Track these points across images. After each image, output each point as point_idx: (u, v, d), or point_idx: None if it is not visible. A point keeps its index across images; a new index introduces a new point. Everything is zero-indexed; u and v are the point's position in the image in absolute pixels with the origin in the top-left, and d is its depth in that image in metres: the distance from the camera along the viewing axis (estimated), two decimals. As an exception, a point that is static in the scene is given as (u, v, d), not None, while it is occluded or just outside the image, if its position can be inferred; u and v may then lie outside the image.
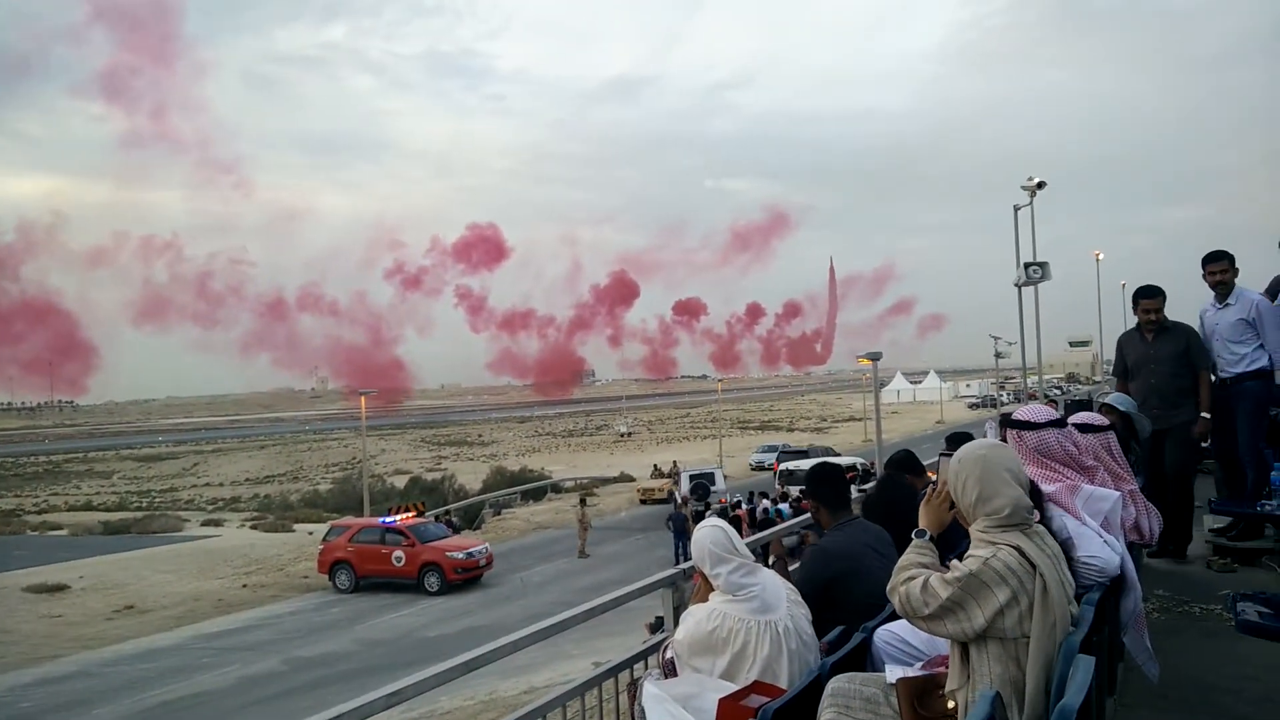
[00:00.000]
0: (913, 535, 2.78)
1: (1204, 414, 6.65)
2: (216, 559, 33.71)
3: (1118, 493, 3.71)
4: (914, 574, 2.59)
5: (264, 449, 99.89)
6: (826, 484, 4.36)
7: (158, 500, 62.09)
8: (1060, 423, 3.79)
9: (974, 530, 2.59)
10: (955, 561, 2.54)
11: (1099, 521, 3.36)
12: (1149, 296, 6.88)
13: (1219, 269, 6.78)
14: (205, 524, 45.64)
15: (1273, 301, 6.91)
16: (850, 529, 4.21)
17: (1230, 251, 6.82)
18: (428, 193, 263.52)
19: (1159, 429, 6.65)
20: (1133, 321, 7.22)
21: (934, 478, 3.42)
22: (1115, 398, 6.61)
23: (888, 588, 2.68)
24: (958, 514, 2.69)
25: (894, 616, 3.60)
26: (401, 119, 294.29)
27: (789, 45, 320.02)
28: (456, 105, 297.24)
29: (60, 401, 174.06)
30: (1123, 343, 7.25)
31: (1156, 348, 6.86)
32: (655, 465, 53.38)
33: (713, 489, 39.11)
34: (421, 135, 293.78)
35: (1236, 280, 6.80)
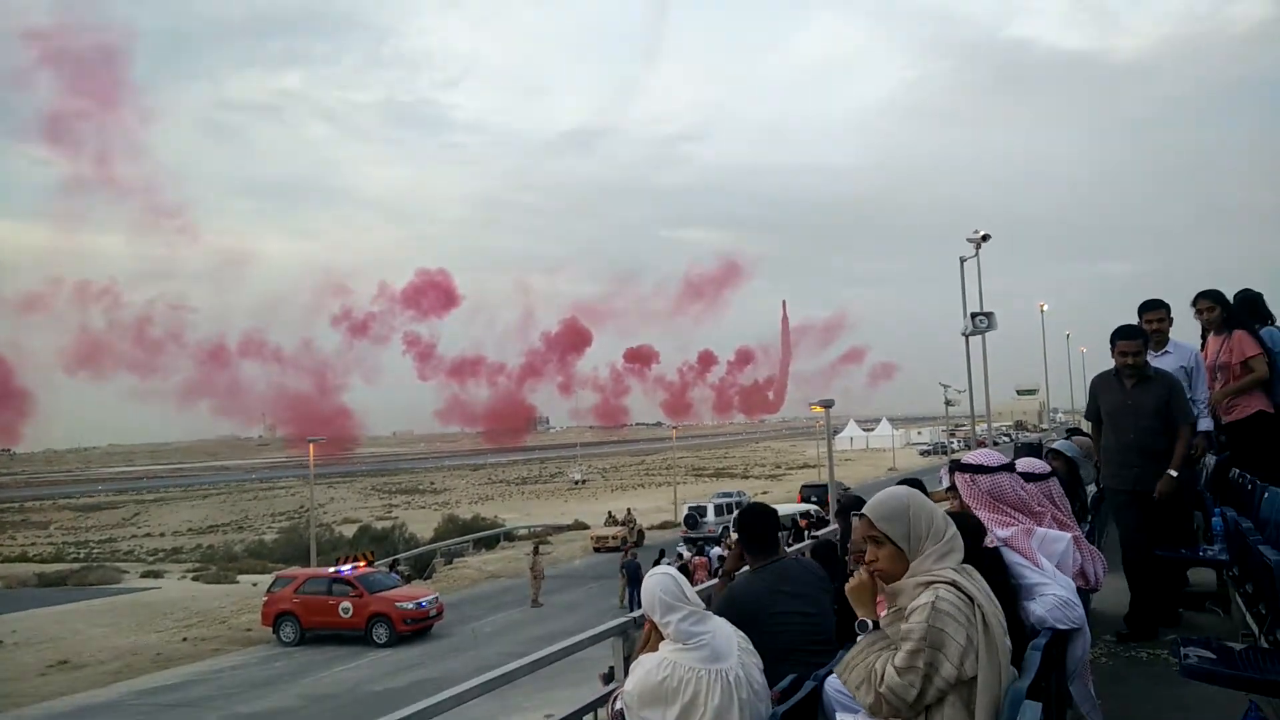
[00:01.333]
0: (857, 628, 2.71)
1: (1171, 471, 5.86)
2: (156, 612, 32.69)
3: (1069, 534, 3.75)
4: (863, 670, 2.53)
5: (208, 498, 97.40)
6: (747, 527, 4.35)
7: (96, 551, 60.27)
8: (1010, 467, 3.84)
9: (912, 570, 2.58)
10: (891, 626, 2.52)
11: (1054, 563, 3.39)
12: (1127, 338, 6.02)
13: (1155, 318, 6.76)
14: (145, 575, 44.44)
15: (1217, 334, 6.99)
16: (766, 573, 4.14)
17: (1166, 301, 6.97)
18: (381, 241, 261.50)
19: (1138, 490, 5.99)
20: (1087, 367, 6.88)
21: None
22: (1063, 444, 6.71)
23: (849, 687, 2.59)
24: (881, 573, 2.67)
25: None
26: (356, 166, 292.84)
27: (742, 99, 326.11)
28: (413, 154, 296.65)
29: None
30: (1097, 386, 6.35)
31: (1136, 397, 6.01)
32: (610, 513, 53.05)
33: (701, 520, 43.52)
34: (376, 183, 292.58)
35: (1171, 331, 6.87)
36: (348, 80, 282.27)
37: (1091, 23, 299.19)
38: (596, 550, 44.72)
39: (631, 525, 46.58)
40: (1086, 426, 7.38)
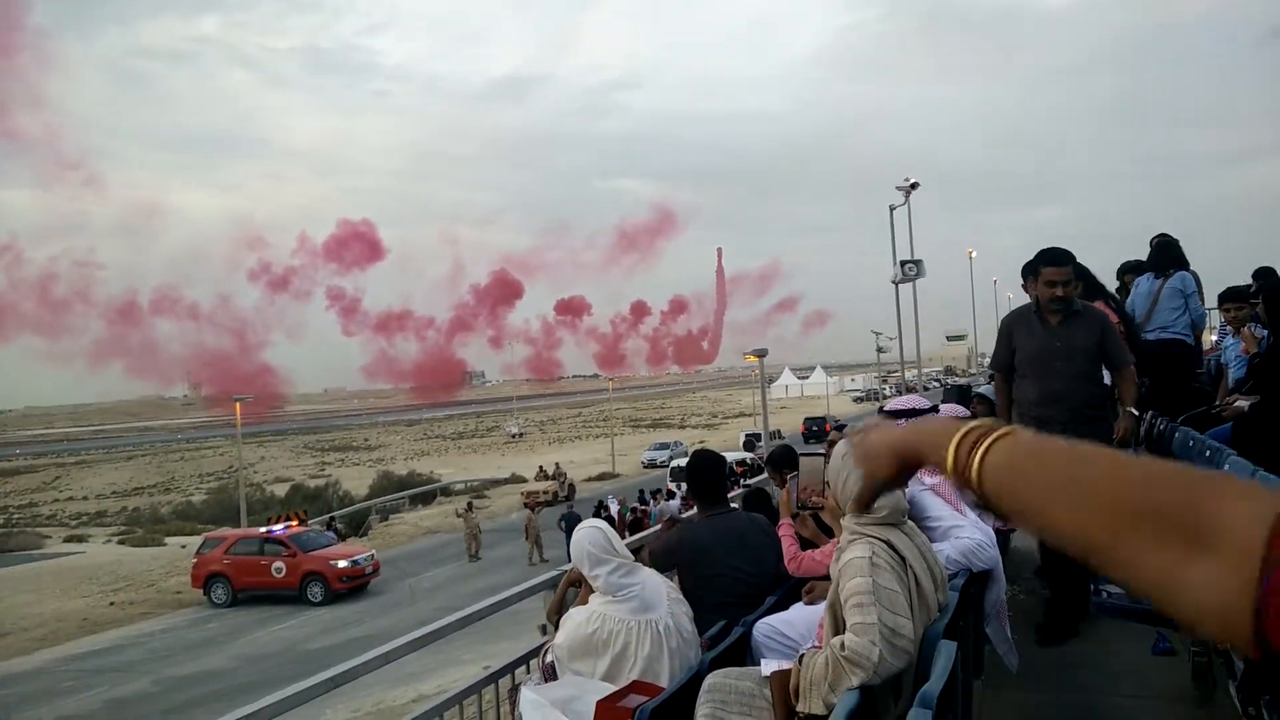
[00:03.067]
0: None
1: (1129, 409, 4.98)
2: (81, 576, 31.86)
3: None
4: (821, 660, 2.46)
5: (132, 460, 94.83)
6: (697, 474, 4.37)
7: (16, 516, 58.37)
8: (934, 409, 3.89)
9: (845, 522, 2.61)
10: (831, 581, 2.51)
11: (978, 514, 3.44)
12: (1055, 263, 4.96)
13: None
14: (68, 540, 43.20)
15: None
16: (714, 521, 4.20)
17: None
18: (306, 194, 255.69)
19: None
20: (997, 319, 5.75)
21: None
22: (987, 389, 6.85)
23: (807, 684, 2.50)
24: (825, 506, 2.71)
25: (773, 610, 3.65)
26: (278, 116, 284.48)
27: (678, 47, 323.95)
28: (337, 102, 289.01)
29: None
30: (1010, 326, 5.15)
31: (1063, 337, 4.95)
32: (540, 467, 52.92)
33: (758, 444, 45.49)
34: (299, 133, 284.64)
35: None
36: (266, 26, 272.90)
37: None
38: (526, 506, 44.40)
39: (562, 479, 46.57)
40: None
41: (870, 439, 1.04)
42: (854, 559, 2.44)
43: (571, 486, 46.18)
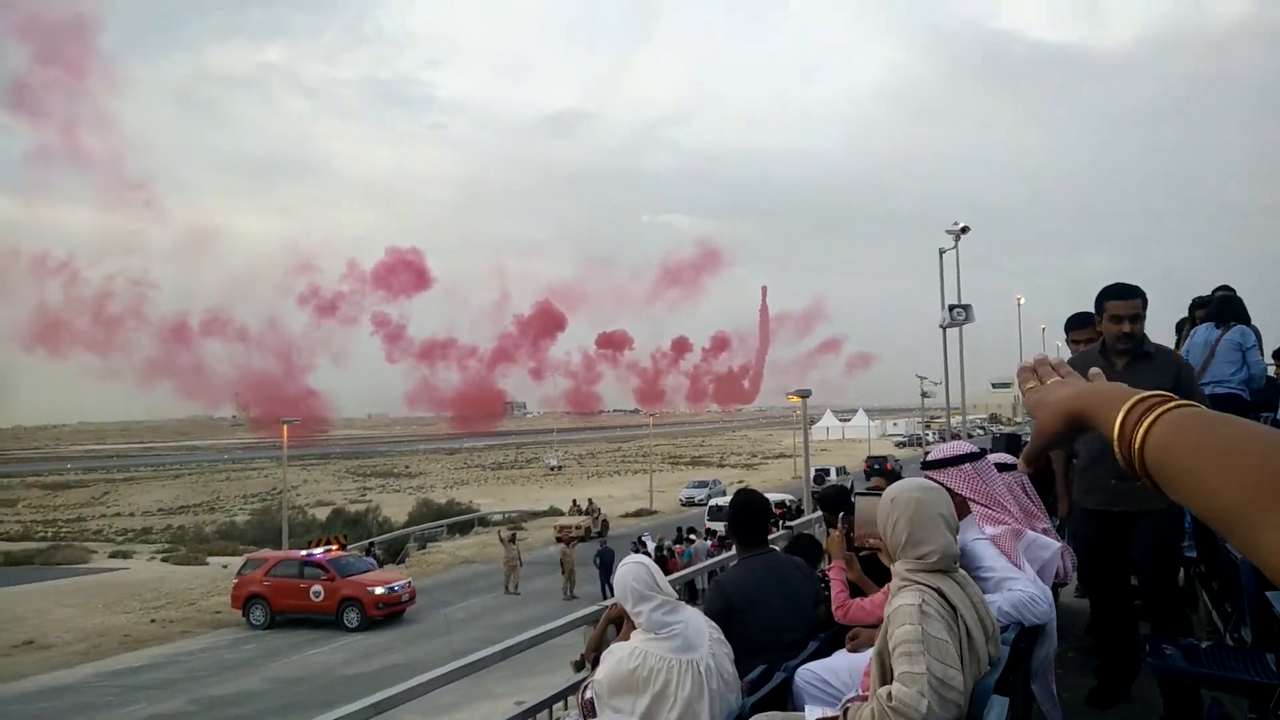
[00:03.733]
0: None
1: None
2: (124, 592, 32.35)
3: (1058, 544, 3.67)
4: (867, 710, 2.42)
5: (179, 478, 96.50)
6: (741, 513, 4.34)
7: (64, 530, 59.50)
8: (981, 455, 3.79)
9: (896, 568, 2.58)
10: (884, 630, 2.45)
11: (1036, 568, 3.35)
12: (1122, 296, 4.47)
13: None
14: (114, 555, 43.93)
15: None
16: (754, 562, 4.17)
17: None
18: (359, 221, 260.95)
19: (1120, 512, 4.42)
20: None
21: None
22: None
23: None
24: (880, 548, 2.68)
25: (815, 655, 3.60)
26: (336, 144, 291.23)
27: (726, 84, 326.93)
28: (395, 133, 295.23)
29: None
30: (1073, 366, 3.60)
31: (1131, 380, 3.12)
32: (574, 501, 52.16)
33: (826, 478, 48.33)
34: (356, 161, 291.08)
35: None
36: (330, 55, 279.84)
37: (1075, 17, 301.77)
38: (559, 540, 42.37)
39: (595, 514, 45.97)
40: None
41: (1044, 393, 1.05)
42: (903, 605, 2.40)
43: (605, 522, 45.70)
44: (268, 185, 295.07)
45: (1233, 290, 7.36)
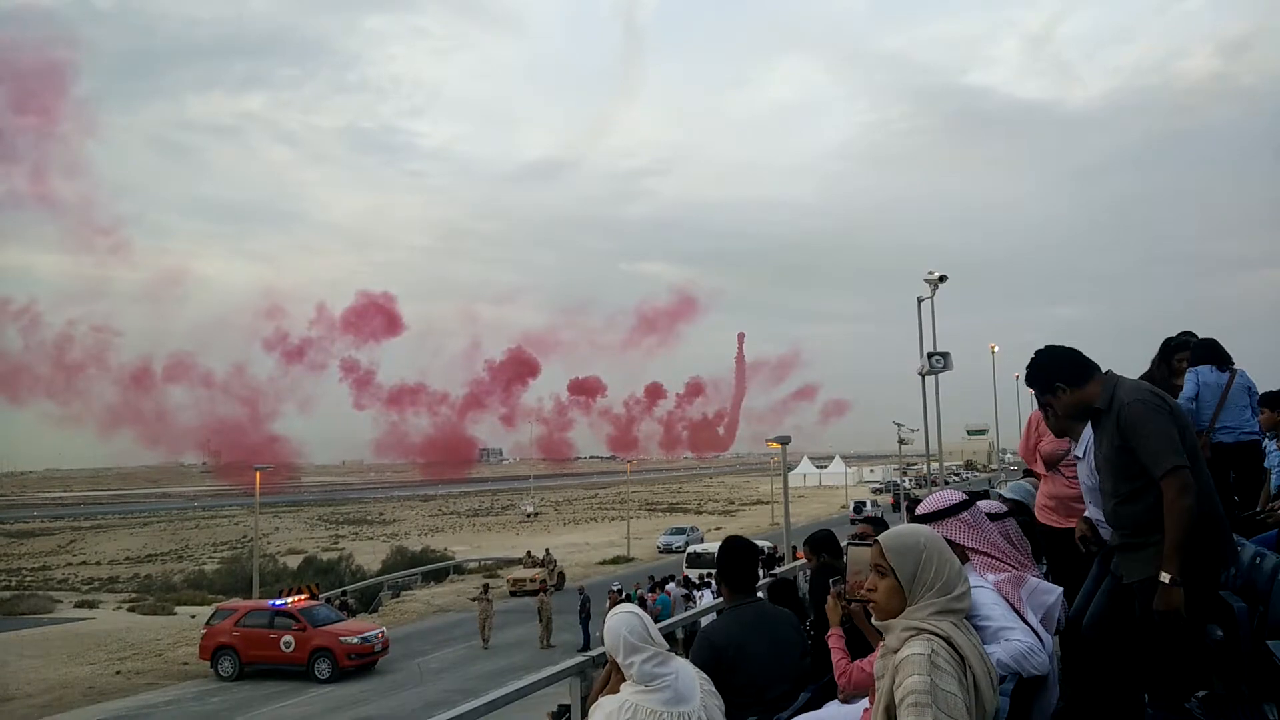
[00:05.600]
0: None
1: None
2: (89, 643, 31.62)
3: (1060, 588, 3.60)
4: None
5: (147, 526, 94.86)
6: (730, 559, 4.28)
7: (28, 579, 58.37)
8: (970, 503, 3.74)
9: (907, 613, 2.48)
10: (882, 659, 2.42)
11: (1040, 615, 3.27)
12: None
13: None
14: (79, 605, 43.11)
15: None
16: (741, 612, 4.12)
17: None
18: (335, 266, 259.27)
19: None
20: (1035, 408, 4.72)
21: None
22: (1014, 487, 6.65)
23: None
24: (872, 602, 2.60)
25: (807, 707, 3.53)
26: (315, 190, 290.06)
27: (706, 137, 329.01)
28: (374, 180, 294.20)
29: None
30: (1172, 406, 3.61)
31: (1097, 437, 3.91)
32: (529, 552, 49.67)
33: (864, 509, 51.82)
34: (335, 208, 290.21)
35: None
36: (311, 105, 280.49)
37: (1046, 73, 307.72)
38: (513, 594, 41.38)
39: (551, 566, 44.47)
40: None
41: None
42: (912, 655, 2.32)
43: (561, 575, 44.41)
44: (245, 231, 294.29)
45: (1197, 336, 7.20)
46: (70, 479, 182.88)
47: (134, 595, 46.89)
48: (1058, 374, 3.79)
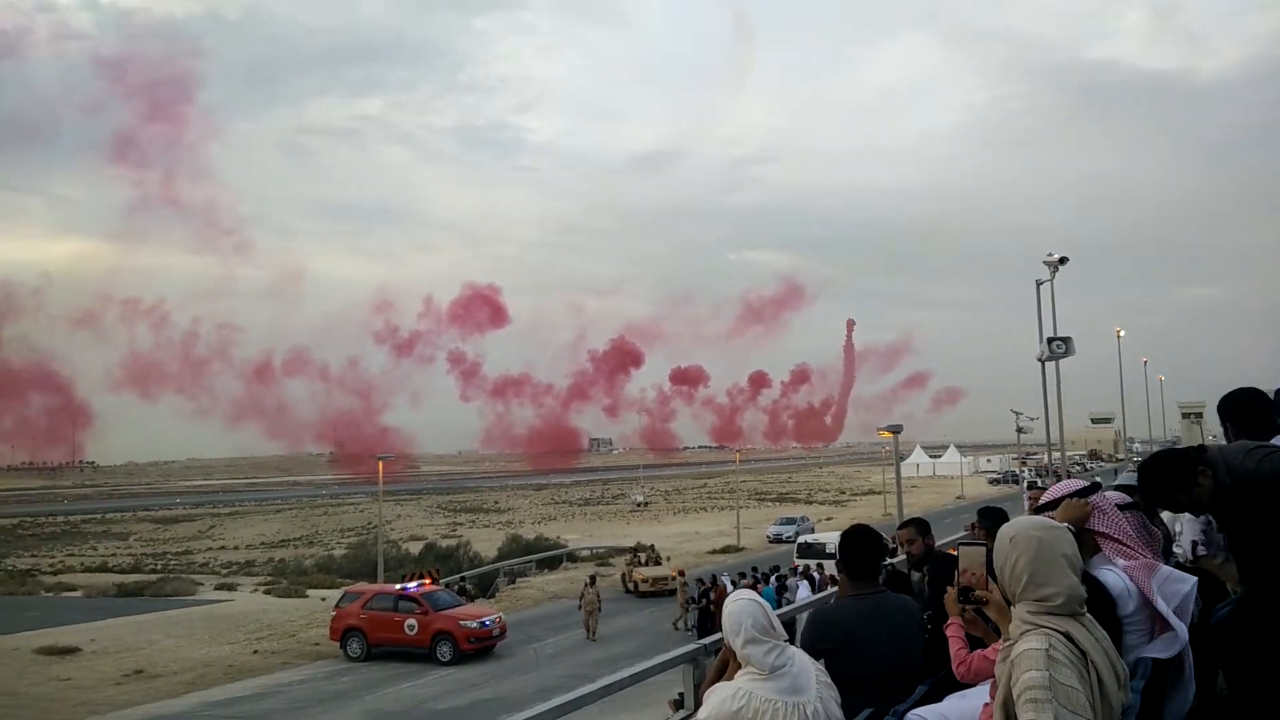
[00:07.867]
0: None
1: None
2: (229, 624, 33.40)
3: (1195, 578, 3.48)
4: None
5: (280, 512, 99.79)
6: (853, 547, 4.21)
7: (173, 563, 61.97)
8: (1095, 488, 3.64)
9: (1017, 611, 2.48)
10: (1007, 677, 2.32)
11: (1173, 605, 3.17)
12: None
13: None
14: (219, 588, 45.44)
15: None
16: (859, 603, 4.07)
17: None
18: (449, 263, 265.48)
19: None
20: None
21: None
22: (1126, 478, 6.38)
23: None
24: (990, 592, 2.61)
25: (925, 700, 3.51)
26: (430, 189, 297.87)
27: (814, 122, 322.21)
28: (486, 176, 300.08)
29: (81, 462, 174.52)
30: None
31: None
32: (635, 549, 44.19)
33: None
34: (449, 206, 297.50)
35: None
36: (424, 105, 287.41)
37: (1176, 43, 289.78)
38: (627, 593, 38.66)
39: (654, 558, 41.82)
40: None
41: None
42: (1029, 650, 2.28)
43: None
44: (361, 229, 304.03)
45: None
46: (210, 467, 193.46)
47: (269, 578, 49.20)
48: None
